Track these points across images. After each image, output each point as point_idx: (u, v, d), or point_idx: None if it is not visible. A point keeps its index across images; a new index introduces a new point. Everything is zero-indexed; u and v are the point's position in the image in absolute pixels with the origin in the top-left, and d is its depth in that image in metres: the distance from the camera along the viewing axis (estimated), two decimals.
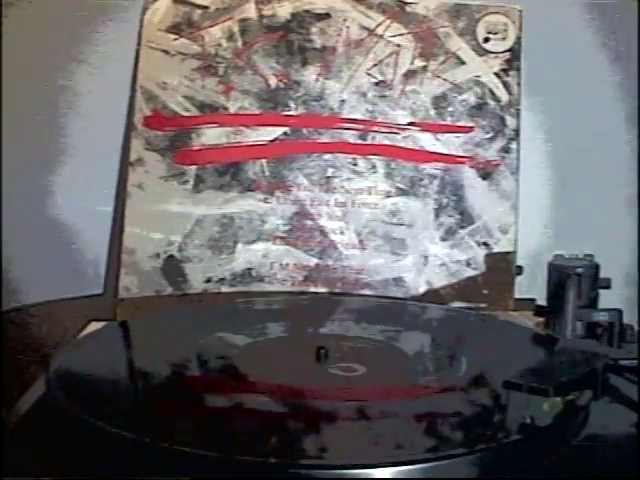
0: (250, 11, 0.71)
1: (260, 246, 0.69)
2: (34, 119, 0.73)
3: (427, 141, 0.71)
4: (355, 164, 0.70)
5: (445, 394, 0.49)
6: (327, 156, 0.70)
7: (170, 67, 0.70)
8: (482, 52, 0.71)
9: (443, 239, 0.70)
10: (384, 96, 0.71)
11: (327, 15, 0.71)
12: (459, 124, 0.71)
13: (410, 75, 0.71)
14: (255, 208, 0.70)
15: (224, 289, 0.69)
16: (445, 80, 0.71)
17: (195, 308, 0.66)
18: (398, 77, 0.71)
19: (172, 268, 0.69)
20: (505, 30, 0.71)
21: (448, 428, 0.44)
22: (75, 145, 0.74)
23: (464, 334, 0.60)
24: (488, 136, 0.71)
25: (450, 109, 0.71)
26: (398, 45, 0.71)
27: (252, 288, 0.69)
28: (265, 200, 0.70)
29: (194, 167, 0.70)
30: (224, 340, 0.57)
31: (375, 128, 0.71)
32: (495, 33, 0.71)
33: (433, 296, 0.69)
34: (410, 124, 0.71)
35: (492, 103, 0.71)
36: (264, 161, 0.70)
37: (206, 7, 0.71)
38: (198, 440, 0.41)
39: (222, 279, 0.69)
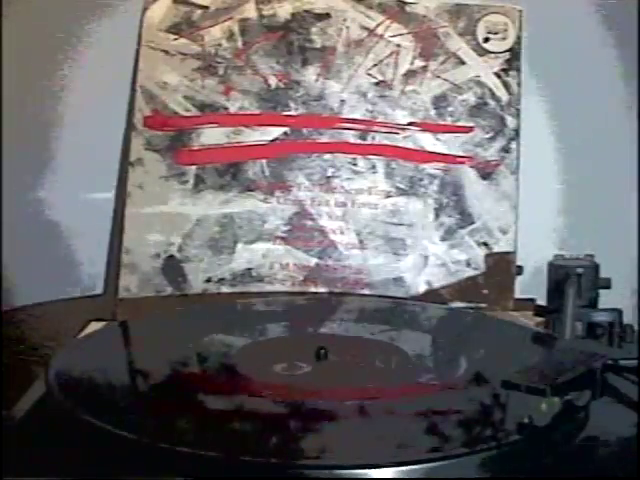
0: (250, 11, 0.71)
1: (260, 246, 0.69)
2: (34, 119, 0.73)
3: (427, 141, 0.71)
4: (355, 164, 0.70)
5: (445, 394, 0.49)
6: (327, 156, 0.70)
7: (170, 67, 0.70)
8: (482, 52, 0.71)
9: (443, 239, 0.70)
10: (384, 96, 0.71)
11: (327, 15, 0.71)
12: (459, 124, 0.71)
13: (410, 75, 0.71)
14: (255, 208, 0.70)
15: (224, 289, 0.69)
16: (445, 80, 0.71)
17: (195, 308, 0.66)
18: (398, 77, 0.71)
19: (172, 268, 0.69)
20: (505, 30, 0.71)
21: (448, 428, 0.44)
22: (75, 145, 0.74)
23: (464, 334, 0.60)
24: (488, 136, 0.71)
25: (450, 109, 0.71)
26: (398, 45, 0.71)
27: (252, 288, 0.69)
28: (265, 200, 0.70)
29: (194, 167, 0.70)
30: (224, 340, 0.57)
31: (375, 128, 0.71)
32: (495, 33, 0.71)
33: (433, 296, 0.69)
34: (410, 124, 0.71)
35: (492, 103, 0.71)
36: (264, 161, 0.70)
37: (206, 7, 0.71)
38: (198, 440, 0.41)
39: (222, 279, 0.69)
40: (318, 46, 0.71)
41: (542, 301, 0.60)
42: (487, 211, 0.70)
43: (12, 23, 0.72)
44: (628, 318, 0.57)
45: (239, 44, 0.71)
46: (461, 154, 0.70)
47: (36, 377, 0.49)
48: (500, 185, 0.70)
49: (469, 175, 0.70)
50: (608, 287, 0.60)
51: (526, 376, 0.42)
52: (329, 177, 0.70)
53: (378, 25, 0.71)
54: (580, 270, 0.58)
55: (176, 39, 0.71)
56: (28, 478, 0.39)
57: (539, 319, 0.60)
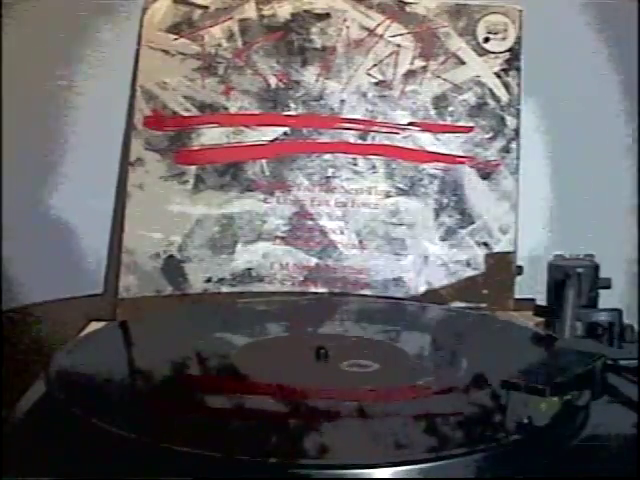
0: (250, 11, 0.71)
1: (260, 246, 0.69)
2: (34, 119, 0.73)
3: (427, 141, 0.71)
4: (355, 164, 0.70)
5: (445, 394, 0.49)
6: (327, 156, 0.70)
7: (170, 67, 0.70)
8: (482, 52, 0.71)
9: (443, 239, 0.70)
10: (384, 96, 0.71)
11: (327, 15, 0.71)
12: (459, 124, 0.71)
13: (410, 75, 0.71)
14: (255, 208, 0.70)
15: (224, 289, 0.69)
16: (445, 80, 0.71)
17: (195, 308, 0.66)
18: (398, 77, 0.71)
19: (172, 268, 0.69)
20: (505, 30, 0.71)
21: (448, 428, 0.44)
22: (75, 145, 0.74)
23: (464, 334, 0.60)
24: (488, 136, 0.71)
25: (450, 109, 0.71)
26: (398, 45, 0.71)
27: (252, 288, 0.69)
28: (265, 200, 0.70)
29: (194, 167, 0.70)
30: (224, 340, 0.57)
31: (375, 128, 0.71)
32: (495, 33, 0.71)
33: (433, 296, 0.69)
34: (410, 124, 0.71)
35: (492, 103, 0.71)
36: (264, 161, 0.70)
37: (206, 7, 0.71)
38: (198, 440, 0.41)
39: (222, 279, 0.69)
40: (318, 46, 0.71)
41: (542, 301, 0.60)
42: (487, 211, 0.70)
43: (12, 24, 0.72)
44: (628, 318, 0.57)
45: (239, 44, 0.71)
46: (461, 154, 0.70)
47: (36, 377, 0.49)
48: (500, 185, 0.70)
49: (469, 175, 0.70)
50: (608, 287, 0.60)
51: (526, 376, 0.42)
52: (329, 177, 0.70)
53: (378, 25, 0.71)
54: (580, 270, 0.58)
55: (176, 39, 0.71)
56: (28, 478, 0.39)
57: (539, 319, 0.61)
